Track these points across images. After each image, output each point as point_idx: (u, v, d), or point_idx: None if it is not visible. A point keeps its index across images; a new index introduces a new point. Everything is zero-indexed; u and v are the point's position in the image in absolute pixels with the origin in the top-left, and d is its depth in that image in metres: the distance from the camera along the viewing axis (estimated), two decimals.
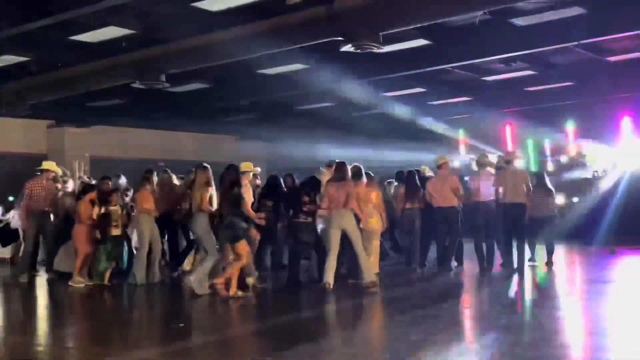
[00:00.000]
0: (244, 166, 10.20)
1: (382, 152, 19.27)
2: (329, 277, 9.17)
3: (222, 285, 8.64)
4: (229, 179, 8.89)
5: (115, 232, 10.22)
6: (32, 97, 14.15)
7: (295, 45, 10.49)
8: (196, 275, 8.90)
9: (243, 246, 8.69)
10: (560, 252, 14.61)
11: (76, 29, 10.78)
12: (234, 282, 8.66)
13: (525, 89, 16.20)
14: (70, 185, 11.77)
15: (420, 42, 11.89)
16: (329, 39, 9.84)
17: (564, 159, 17.75)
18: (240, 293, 8.69)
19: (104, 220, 10.22)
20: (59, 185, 11.43)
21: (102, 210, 10.18)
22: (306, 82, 13.87)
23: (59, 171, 11.47)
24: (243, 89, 15.09)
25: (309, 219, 9.59)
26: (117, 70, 12.11)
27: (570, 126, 17.58)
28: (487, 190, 10.89)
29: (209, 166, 9.23)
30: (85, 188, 10.82)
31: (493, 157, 12.94)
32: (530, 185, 10.87)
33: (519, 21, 10.92)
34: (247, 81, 14.54)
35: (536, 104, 16.84)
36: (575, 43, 11.62)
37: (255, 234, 10.09)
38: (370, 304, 8.87)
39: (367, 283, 9.23)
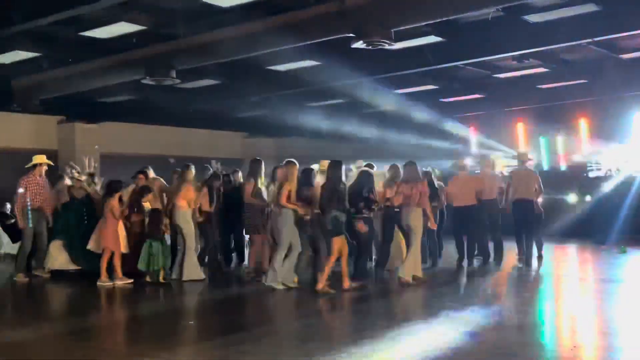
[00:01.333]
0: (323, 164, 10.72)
1: (392, 149, 19.27)
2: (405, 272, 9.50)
3: (327, 283, 8.85)
4: (337, 176, 9.07)
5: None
6: (43, 92, 14.25)
7: (306, 41, 10.50)
8: (275, 272, 9.14)
9: (341, 242, 8.89)
10: (571, 251, 14.64)
11: (87, 25, 10.84)
12: (324, 277, 8.84)
13: (537, 86, 16.14)
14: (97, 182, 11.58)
15: (432, 38, 11.87)
16: (340, 36, 9.85)
17: (576, 157, 17.67)
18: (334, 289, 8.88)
19: (156, 217, 10.11)
20: (66, 182, 11.31)
21: (147, 206, 10.08)
22: (317, 79, 13.88)
23: (50, 163, 11.14)
24: (253, 86, 15.11)
25: (371, 214, 9.80)
26: (128, 66, 12.16)
27: (583, 124, 17.50)
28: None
29: (295, 161, 9.48)
30: (111, 184, 10.48)
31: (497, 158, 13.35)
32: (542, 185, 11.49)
33: (532, 18, 10.89)
34: (258, 78, 14.56)
35: (549, 102, 16.78)
36: (589, 40, 11.57)
37: None
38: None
39: (404, 280, 9.45)
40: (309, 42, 10.57)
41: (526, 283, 10.64)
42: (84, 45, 11.82)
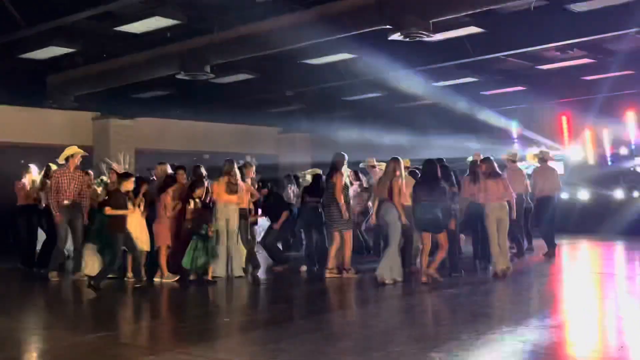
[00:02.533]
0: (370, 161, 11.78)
1: (431, 143, 19.13)
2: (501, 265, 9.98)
3: (435, 270, 9.57)
4: (433, 171, 9.63)
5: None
6: (78, 88, 14.44)
7: (342, 34, 10.47)
8: (387, 267, 9.56)
9: (445, 235, 9.58)
10: (619, 248, 14.41)
11: (121, 20, 10.94)
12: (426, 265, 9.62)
13: (582, 77, 15.87)
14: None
15: (472, 29, 11.75)
16: (378, 28, 9.79)
17: (623, 150, 17.36)
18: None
19: (206, 213, 10.08)
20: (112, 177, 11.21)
21: (196, 202, 10.04)
22: (353, 72, 13.84)
23: (84, 153, 10.91)
24: (288, 80, 15.13)
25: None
26: (162, 61, 12.27)
27: (630, 117, 17.18)
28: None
29: (399, 157, 9.93)
30: (164, 180, 10.44)
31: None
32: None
33: (577, 7, 10.69)
34: (293, 71, 14.57)
35: (594, 94, 16.49)
36: (636, 29, 11.33)
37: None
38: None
39: (500, 270, 9.94)
40: (345, 35, 10.53)
41: (568, 282, 10.50)
42: (118, 40, 11.96)
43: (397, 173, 9.69)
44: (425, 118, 18.33)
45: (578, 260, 13.74)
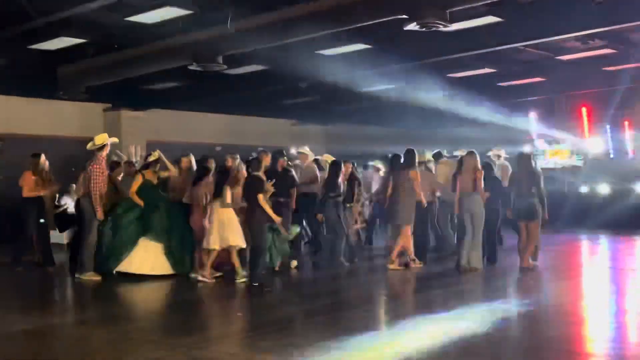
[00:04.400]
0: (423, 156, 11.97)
1: (446, 137, 19.11)
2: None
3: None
4: (527, 165, 10.62)
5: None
6: (89, 79, 14.50)
7: (356, 24, 10.44)
8: (474, 254, 10.47)
9: (537, 224, 10.52)
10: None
11: (133, 10, 10.97)
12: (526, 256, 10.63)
13: (603, 68, 15.75)
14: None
15: (490, 19, 11.67)
16: (393, 17, 9.77)
17: None
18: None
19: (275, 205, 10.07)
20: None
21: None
22: (368, 63, 13.81)
23: (115, 140, 10.82)
24: (302, 71, 15.11)
25: None
26: (174, 52, 12.28)
27: None
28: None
29: (475, 151, 10.76)
30: (198, 170, 10.37)
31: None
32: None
33: None
34: (307, 63, 14.56)
35: (615, 85, 16.38)
36: None
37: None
38: None
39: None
40: (360, 25, 10.51)
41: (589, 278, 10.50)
42: (129, 31, 11.99)
43: (478, 166, 10.60)
44: (438, 111, 18.31)
45: (596, 256, 13.71)
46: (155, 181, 10.68)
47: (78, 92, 14.74)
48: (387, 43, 12.50)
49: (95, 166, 10.21)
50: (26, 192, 11.52)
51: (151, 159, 10.73)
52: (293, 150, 13.17)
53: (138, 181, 10.50)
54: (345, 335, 6.60)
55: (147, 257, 10.24)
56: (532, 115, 19.31)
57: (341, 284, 10.53)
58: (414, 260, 11.10)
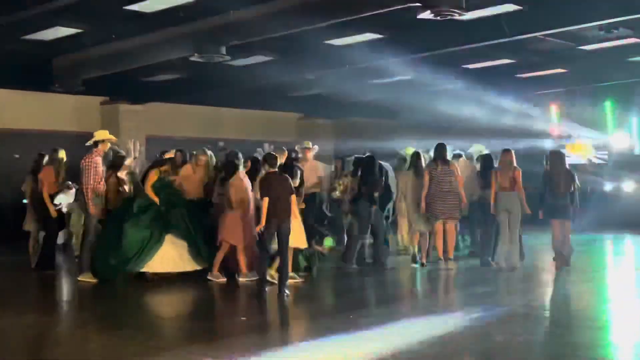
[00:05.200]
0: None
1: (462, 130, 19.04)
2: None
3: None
4: (559, 162, 11.00)
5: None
6: (85, 71, 14.54)
7: (367, 12, 10.44)
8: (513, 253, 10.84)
9: (570, 223, 10.94)
10: None
11: None
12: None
13: (628, 59, 15.71)
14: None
15: (508, 7, 11.67)
16: (405, 5, 9.76)
17: None
18: None
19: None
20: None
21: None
22: (379, 53, 13.80)
23: (113, 139, 10.75)
24: (309, 62, 15.13)
25: None
26: (174, 42, 12.32)
27: None
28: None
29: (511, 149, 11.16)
30: (224, 167, 10.38)
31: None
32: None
33: None
34: (314, 53, 14.57)
35: None
36: None
37: None
38: None
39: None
40: (370, 13, 10.50)
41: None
42: (128, 20, 12.02)
43: (515, 164, 10.90)
44: (452, 103, 18.29)
45: (621, 257, 13.70)
46: (172, 177, 10.73)
47: (74, 84, 14.79)
48: (399, 33, 12.49)
49: (87, 160, 10.24)
50: (47, 189, 11.36)
51: (169, 155, 10.92)
52: (266, 146, 13.15)
53: (153, 177, 10.50)
54: None
55: (175, 255, 10.21)
56: (553, 108, 19.25)
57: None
58: (450, 259, 11.57)
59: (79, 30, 12.87)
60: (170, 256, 10.19)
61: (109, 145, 10.62)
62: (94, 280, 10.17)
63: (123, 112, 17.94)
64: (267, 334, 7.39)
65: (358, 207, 11.26)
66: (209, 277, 10.06)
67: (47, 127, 16.77)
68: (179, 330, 7.79)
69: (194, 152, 11.45)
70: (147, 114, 18.25)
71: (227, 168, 10.35)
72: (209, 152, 11.34)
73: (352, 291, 9.93)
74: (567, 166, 11.22)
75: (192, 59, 12.43)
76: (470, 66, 16.17)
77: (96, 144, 10.39)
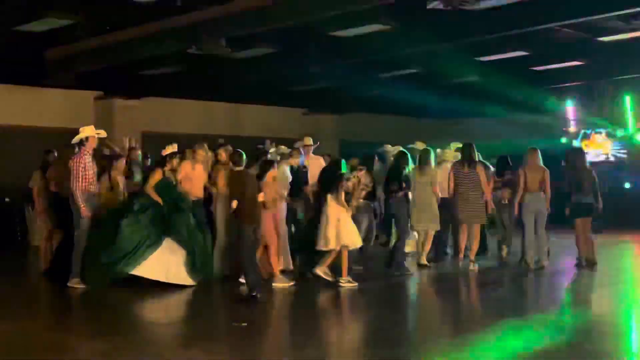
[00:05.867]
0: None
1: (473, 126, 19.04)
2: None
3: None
4: (580, 161, 11.45)
5: None
6: (78, 65, 14.53)
7: (375, 3, 10.41)
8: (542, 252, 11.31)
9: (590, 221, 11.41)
10: None
11: None
12: None
13: None
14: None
15: None
16: None
17: None
18: None
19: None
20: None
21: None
22: (388, 45, 13.77)
23: (101, 134, 10.38)
24: (314, 54, 15.11)
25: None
26: (172, 33, 12.30)
27: None
28: None
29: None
30: (263, 164, 10.20)
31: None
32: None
33: None
34: (319, 45, 14.55)
35: None
36: None
37: None
38: None
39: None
40: (378, 4, 10.48)
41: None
42: (123, 10, 12.00)
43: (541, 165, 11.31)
44: (467, 97, 18.27)
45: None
46: (173, 177, 10.55)
47: (67, 78, 14.78)
48: (408, 23, 12.44)
49: (74, 160, 9.99)
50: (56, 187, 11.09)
51: (167, 151, 10.52)
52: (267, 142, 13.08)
53: (156, 176, 10.33)
54: None
55: (168, 262, 9.97)
56: (570, 103, 19.20)
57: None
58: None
59: (72, 22, 12.84)
60: (164, 263, 9.96)
61: (96, 141, 10.32)
62: (82, 286, 9.97)
63: (118, 107, 17.90)
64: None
65: (395, 206, 11.27)
66: (275, 284, 9.98)
67: (38, 123, 16.73)
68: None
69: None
70: (143, 110, 18.22)
71: (263, 167, 10.17)
72: (205, 146, 11.18)
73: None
74: (588, 164, 11.53)
75: (191, 51, 12.41)
76: (484, 59, 16.12)
77: (82, 141, 10.14)
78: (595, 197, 11.35)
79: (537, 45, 15.27)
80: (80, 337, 7.59)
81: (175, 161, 10.53)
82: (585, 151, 14.13)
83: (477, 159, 11.51)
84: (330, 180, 10.04)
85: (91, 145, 10.16)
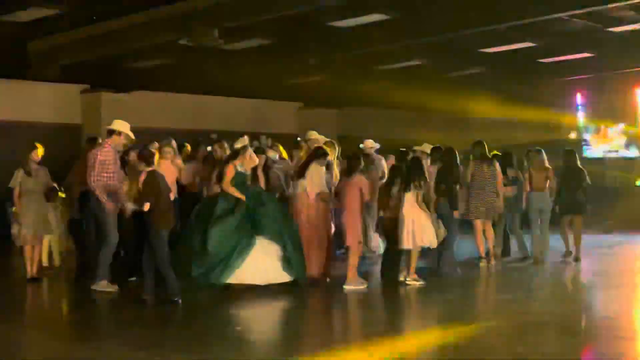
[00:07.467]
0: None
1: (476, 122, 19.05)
2: None
3: None
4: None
5: None
6: (64, 57, 14.53)
7: None
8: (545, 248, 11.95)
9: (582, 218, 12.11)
10: None
11: None
12: None
13: None
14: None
15: None
16: None
17: None
18: None
19: None
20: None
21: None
22: (387, 36, 13.78)
23: (131, 135, 10.10)
24: (311, 46, 15.12)
25: None
26: (162, 24, 12.30)
27: None
28: None
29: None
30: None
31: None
32: None
33: None
34: (317, 36, 14.55)
35: None
36: None
37: None
38: None
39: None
40: None
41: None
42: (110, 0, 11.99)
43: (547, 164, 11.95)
44: (471, 90, 18.28)
45: None
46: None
47: (52, 71, 14.76)
48: (408, 13, 12.44)
49: (94, 152, 9.82)
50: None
51: (239, 145, 10.16)
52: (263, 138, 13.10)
53: (230, 172, 9.95)
54: None
55: (267, 264, 9.69)
56: (578, 97, 19.24)
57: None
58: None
59: (57, 11, 12.83)
60: (262, 265, 9.65)
61: (127, 140, 10.08)
62: (113, 289, 9.73)
63: (105, 101, 17.84)
64: None
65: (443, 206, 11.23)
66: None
67: (22, 117, 16.65)
68: None
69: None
70: (131, 104, 18.17)
71: (351, 164, 10.12)
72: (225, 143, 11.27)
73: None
74: (579, 163, 12.39)
75: (182, 42, 12.40)
76: (488, 50, 16.14)
77: (110, 133, 9.92)
78: (586, 196, 12.14)
79: (544, 36, 15.29)
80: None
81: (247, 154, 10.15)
82: (594, 147, 14.33)
83: (489, 156, 11.99)
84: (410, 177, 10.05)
85: (120, 141, 9.99)
